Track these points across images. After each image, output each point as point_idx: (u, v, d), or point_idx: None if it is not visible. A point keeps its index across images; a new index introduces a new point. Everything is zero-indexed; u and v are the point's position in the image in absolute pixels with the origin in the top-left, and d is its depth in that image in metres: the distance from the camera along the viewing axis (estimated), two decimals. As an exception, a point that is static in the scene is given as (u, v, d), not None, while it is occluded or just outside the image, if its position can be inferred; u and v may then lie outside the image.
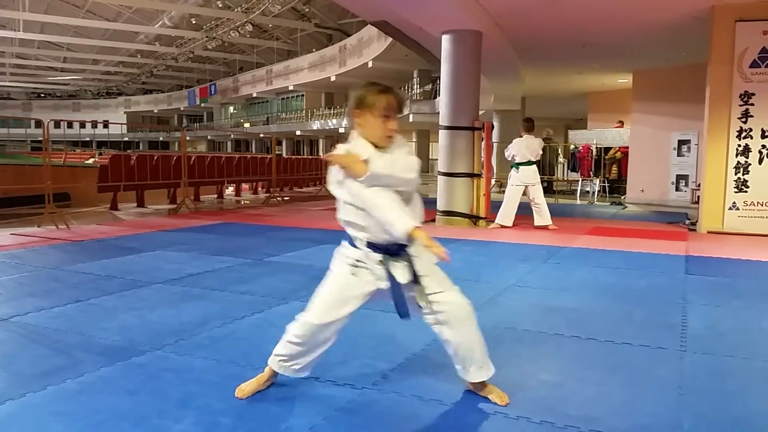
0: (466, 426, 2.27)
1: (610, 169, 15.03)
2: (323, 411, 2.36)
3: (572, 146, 15.78)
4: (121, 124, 48.92)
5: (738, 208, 7.95)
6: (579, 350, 3.18)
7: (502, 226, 8.20)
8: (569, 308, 4.01)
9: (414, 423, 2.29)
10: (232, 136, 47.52)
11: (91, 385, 2.58)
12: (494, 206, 8.66)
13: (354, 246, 2.37)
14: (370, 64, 26.16)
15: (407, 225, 2.17)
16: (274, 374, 2.54)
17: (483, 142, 8.58)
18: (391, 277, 2.31)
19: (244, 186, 15.02)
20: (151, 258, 5.62)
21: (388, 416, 2.33)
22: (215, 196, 13.38)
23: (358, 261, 2.36)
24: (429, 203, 10.43)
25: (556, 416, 2.35)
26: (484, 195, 8.58)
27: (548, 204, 8.30)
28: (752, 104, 7.83)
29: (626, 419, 2.34)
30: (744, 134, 7.88)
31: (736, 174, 7.94)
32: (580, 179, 15.28)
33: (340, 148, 2.31)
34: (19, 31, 32.10)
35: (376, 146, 2.31)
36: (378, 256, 2.32)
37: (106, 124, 48.61)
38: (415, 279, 2.33)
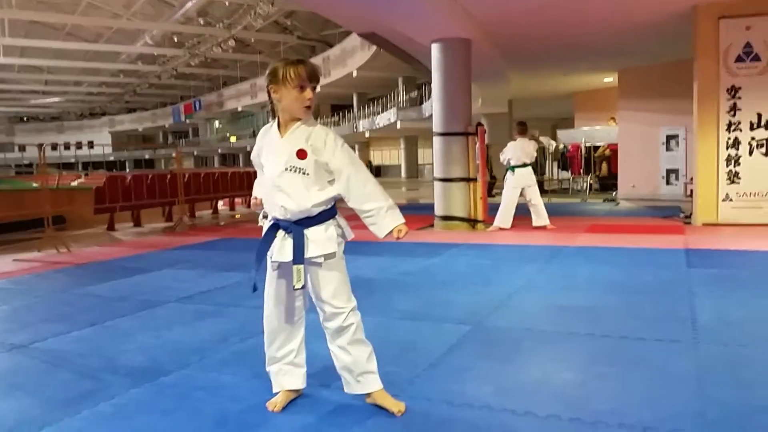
0: (499, 427, 2.32)
1: (600, 167, 15.21)
2: (359, 419, 2.40)
3: (561, 145, 15.94)
4: (105, 145, 48.62)
5: (731, 200, 8.08)
6: (596, 348, 3.25)
7: (501, 229, 8.28)
8: (581, 306, 4.08)
9: (448, 427, 2.34)
10: (219, 150, 47.44)
11: (125, 408, 2.61)
12: (491, 209, 8.75)
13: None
14: (354, 74, 26.31)
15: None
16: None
17: (477, 146, 8.68)
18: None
19: (237, 200, 15.02)
20: (159, 277, 5.65)
21: (423, 422, 2.38)
22: (210, 211, 13.37)
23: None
24: (425, 209, 10.54)
25: (584, 413, 2.41)
26: (481, 198, 8.66)
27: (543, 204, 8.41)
28: (739, 98, 7.98)
29: (652, 411, 2.41)
30: (733, 127, 8.03)
31: (727, 166, 8.08)
32: (571, 178, 15.43)
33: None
34: (-1, 56, 31.92)
35: (295, 119, 2.37)
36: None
37: (91, 145, 48.32)
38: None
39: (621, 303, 4.17)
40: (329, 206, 2.40)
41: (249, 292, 2.56)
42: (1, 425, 2.46)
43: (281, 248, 2.38)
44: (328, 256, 2.37)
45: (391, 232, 2.39)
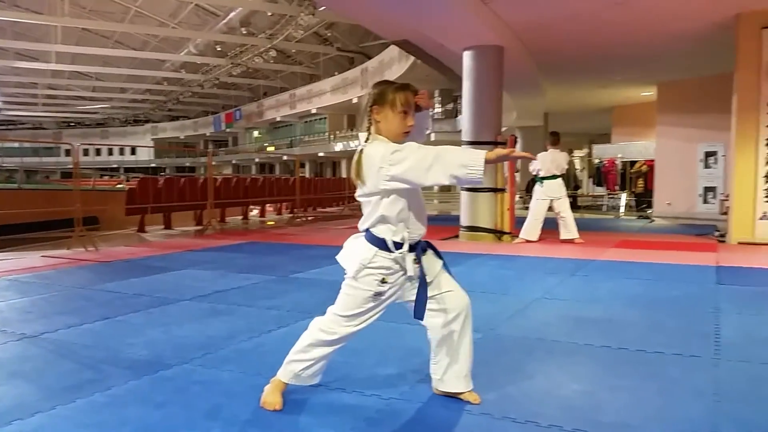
0: (496, 434, 2.22)
1: (636, 183, 14.86)
2: (350, 421, 2.33)
3: (597, 160, 15.64)
4: (147, 147, 49.72)
5: (770, 218, 7.77)
6: (610, 360, 3.11)
7: (528, 241, 8.12)
8: (599, 319, 3.94)
9: (442, 432, 2.25)
10: (256, 159, 48.07)
11: (119, 398, 2.59)
12: (518, 222, 8.59)
13: (385, 249, 2.35)
14: (391, 85, 26.31)
15: (480, 153, 2.13)
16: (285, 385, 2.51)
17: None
18: (421, 276, 2.37)
19: (269, 207, 15.15)
20: (179, 276, 5.67)
21: (417, 426, 2.30)
22: (241, 217, 13.49)
23: (388, 270, 2.35)
24: (452, 220, 10.43)
25: (590, 424, 2.29)
26: (508, 210, 8.52)
27: (574, 218, 8.22)
28: (781, 112, 7.70)
29: (663, 426, 2.28)
30: (774, 142, 7.73)
31: (766, 183, 7.78)
32: (606, 193, 15.12)
33: (372, 147, 2.30)
34: (51, 62, 33.01)
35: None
36: (412, 255, 2.35)
37: (133, 150, 49.60)
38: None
39: (642, 317, 4.01)
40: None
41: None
42: (-5, 409, 2.47)
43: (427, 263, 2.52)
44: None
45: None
